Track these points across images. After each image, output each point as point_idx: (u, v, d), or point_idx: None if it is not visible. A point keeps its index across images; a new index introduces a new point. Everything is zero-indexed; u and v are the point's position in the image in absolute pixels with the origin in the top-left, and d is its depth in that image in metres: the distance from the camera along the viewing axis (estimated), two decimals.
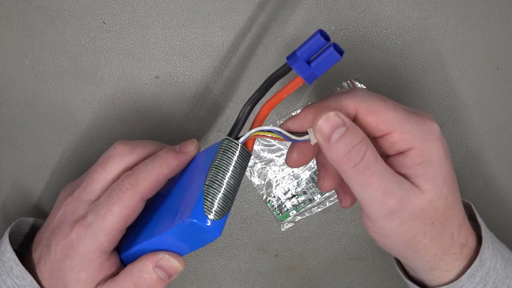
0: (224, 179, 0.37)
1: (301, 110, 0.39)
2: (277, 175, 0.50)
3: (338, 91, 0.41)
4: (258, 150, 0.49)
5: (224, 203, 0.37)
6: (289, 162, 0.41)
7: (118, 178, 0.40)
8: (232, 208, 0.37)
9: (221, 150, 0.38)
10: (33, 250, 0.41)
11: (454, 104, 0.50)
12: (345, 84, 0.49)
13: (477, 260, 0.39)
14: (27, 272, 0.39)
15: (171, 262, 0.39)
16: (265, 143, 0.49)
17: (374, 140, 0.38)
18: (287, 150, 0.41)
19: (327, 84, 0.49)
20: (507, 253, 0.42)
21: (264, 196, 0.50)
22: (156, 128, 0.49)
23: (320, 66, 0.36)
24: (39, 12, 0.48)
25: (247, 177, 0.50)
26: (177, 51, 0.49)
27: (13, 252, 0.40)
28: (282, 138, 0.38)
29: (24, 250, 0.43)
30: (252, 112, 0.38)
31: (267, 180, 0.50)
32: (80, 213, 0.40)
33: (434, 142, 0.37)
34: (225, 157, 0.37)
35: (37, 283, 0.39)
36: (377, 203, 0.36)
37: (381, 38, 0.49)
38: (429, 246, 0.38)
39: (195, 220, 0.36)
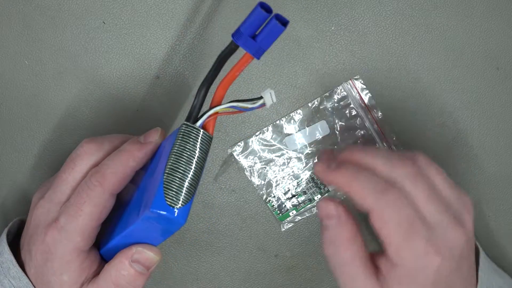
0: (183, 165, 0.36)
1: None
2: (277, 175, 0.50)
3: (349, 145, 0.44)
4: (258, 150, 0.49)
5: (186, 190, 0.36)
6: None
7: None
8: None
9: (180, 136, 0.37)
10: (20, 254, 0.41)
11: (454, 104, 0.50)
12: (345, 84, 0.49)
13: None
14: (23, 274, 0.39)
15: (145, 254, 0.39)
16: (265, 143, 0.49)
17: None
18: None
19: (327, 84, 0.49)
20: None
21: (264, 196, 0.50)
22: None
23: (265, 40, 0.35)
24: (39, 12, 0.48)
25: (247, 177, 0.50)
26: (177, 51, 0.49)
27: (11, 253, 0.40)
28: (239, 110, 0.38)
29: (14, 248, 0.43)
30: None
31: (267, 180, 0.50)
32: (52, 216, 0.39)
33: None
34: (184, 142, 0.36)
35: (32, 285, 0.39)
36: None
37: (381, 38, 0.49)
38: None
39: (156, 210, 0.35)
